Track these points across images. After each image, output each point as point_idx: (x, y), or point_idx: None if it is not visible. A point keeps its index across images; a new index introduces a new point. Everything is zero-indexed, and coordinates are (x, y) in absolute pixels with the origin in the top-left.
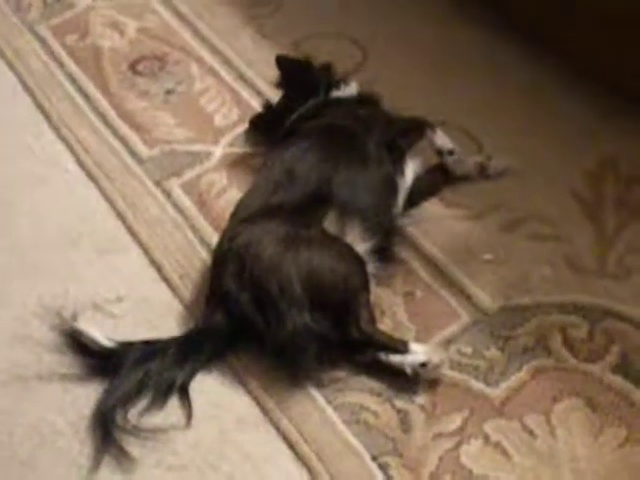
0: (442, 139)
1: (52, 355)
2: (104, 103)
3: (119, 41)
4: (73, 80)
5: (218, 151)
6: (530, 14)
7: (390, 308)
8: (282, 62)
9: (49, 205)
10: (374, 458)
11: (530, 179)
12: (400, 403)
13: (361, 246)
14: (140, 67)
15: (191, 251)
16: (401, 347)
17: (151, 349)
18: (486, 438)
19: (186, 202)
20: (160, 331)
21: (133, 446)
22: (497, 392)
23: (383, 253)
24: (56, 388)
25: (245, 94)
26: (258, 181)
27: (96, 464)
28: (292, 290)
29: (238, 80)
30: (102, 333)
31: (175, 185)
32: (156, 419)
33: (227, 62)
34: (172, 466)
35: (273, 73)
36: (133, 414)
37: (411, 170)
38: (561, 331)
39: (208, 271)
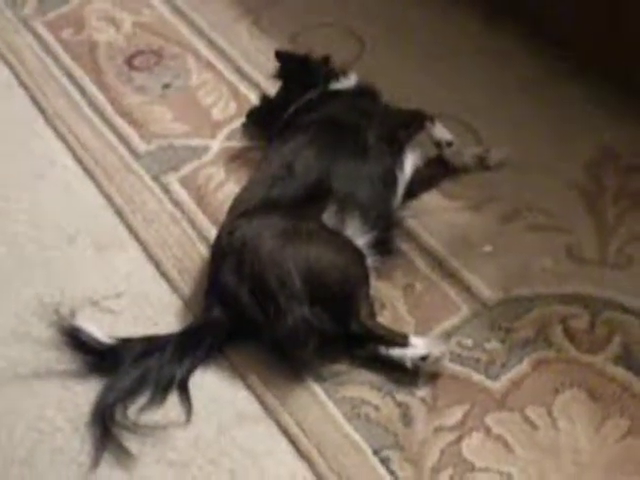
0: (441, 131)
1: (51, 352)
2: (100, 98)
3: (115, 35)
4: (69, 75)
5: (216, 145)
6: (529, 5)
7: (390, 301)
8: (281, 56)
9: (46, 201)
10: (375, 452)
11: (529, 170)
12: (401, 397)
13: (360, 239)
14: (136, 61)
15: (190, 246)
16: (401, 340)
17: (150, 345)
18: (487, 431)
19: (184, 196)
20: (159, 327)
21: (133, 443)
22: (498, 384)
23: (382, 246)
24: (55, 385)
25: (242, 87)
26: (256, 175)
27: (96, 461)
28: (291, 284)
29: (235, 73)
30: (101, 329)
31: (173, 180)
32: (156, 415)
33: (224, 55)
34: (172, 462)
35: (271, 65)
36: (132, 410)
37: (410, 162)
38: (562, 322)
39: (207, 266)
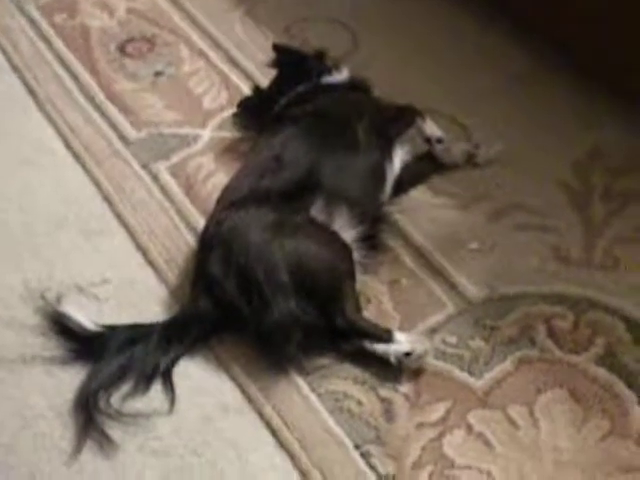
0: (431, 127)
1: (36, 338)
2: (92, 84)
3: (108, 21)
4: (61, 60)
5: (206, 134)
6: (522, 3)
7: (375, 296)
8: (279, 48)
9: (35, 187)
10: (357, 446)
11: (518, 168)
12: (384, 392)
13: (348, 233)
14: (129, 48)
15: (177, 235)
16: (385, 336)
17: (135, 333)
18: (469, 428)
19: (173, 185)
20: (144, 315)
21: (115, 430)
22: (481, 382)
23: (370, 241)
24: (39, 371)
25: (234, 77)
26: (246, 166)
27: (78, 448)
28: (278, 277)
29: (227, 63)
30: (86, 316)
31: (162, 168)
32: (139, 404)
33: (217, 45)
34: (154, 451)
35: (263, 56)
36: (116, 398)
37: (399, 158)
38: (546, 322)
39: (194, 256)
